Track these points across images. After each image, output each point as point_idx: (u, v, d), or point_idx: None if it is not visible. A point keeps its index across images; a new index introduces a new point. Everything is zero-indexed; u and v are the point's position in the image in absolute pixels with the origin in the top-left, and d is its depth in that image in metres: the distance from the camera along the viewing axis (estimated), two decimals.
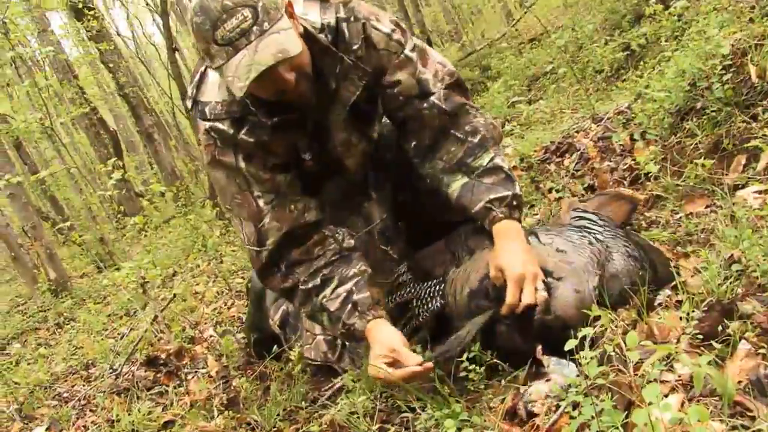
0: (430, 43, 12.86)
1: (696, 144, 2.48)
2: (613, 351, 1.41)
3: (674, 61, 2.73)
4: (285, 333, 2.42)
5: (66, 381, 3.64)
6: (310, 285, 1.92)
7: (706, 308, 1.48)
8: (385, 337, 1.81)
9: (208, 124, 1.88)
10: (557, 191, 2.98)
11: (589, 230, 1.87)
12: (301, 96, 1.83)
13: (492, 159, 1.93)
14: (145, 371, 3.08)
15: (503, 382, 1.67)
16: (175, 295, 3.54)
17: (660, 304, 1.67)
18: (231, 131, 1.87)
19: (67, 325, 5.36)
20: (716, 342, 1.38)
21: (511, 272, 1.67)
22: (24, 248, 7.72)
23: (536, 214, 2.97)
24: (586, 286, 1.62)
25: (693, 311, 1.47)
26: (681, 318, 1.50)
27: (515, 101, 7.89)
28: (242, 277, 4.37)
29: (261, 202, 1.93)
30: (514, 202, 1.87)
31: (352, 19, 1.93)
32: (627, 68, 7.11)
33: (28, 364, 4.27)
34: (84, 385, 3.40)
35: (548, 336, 1.48)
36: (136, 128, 10.94)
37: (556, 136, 4.03)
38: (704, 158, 2.36)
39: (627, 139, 3.04)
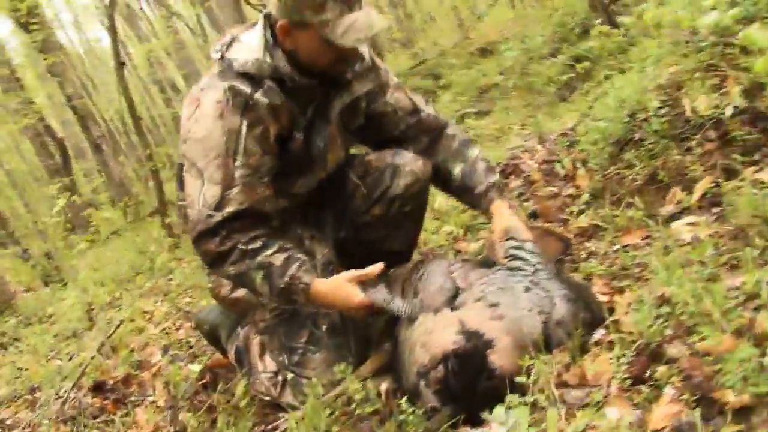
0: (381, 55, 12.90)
1: (634, 175, 2.55)
2: (546, 398, 1.45)
3: (613, 93, 2.81)
4: (241, 367, 2.43)
5: (9, 407, 3.56)
6: (249, 246, 2.02)
7: (635, 351, 1.54)
8: (340, 275, 2.06)
9: (227, 84, 2.01)
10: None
11: (524, 272, 1.91)
12: (342, 71, 2.15)
13: (478, 151, 2.42)
14: (92, 398, 3.04)
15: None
16: (122, 322, 3.51)
17: (596, 343, 1.72)
18: (248, 90, 2.01)
19: (11, 346, 5.24)
20: (645, 386, 1.44)
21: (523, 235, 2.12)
22: None
23: (480, 239, 3.02)
24: (526, 338, 1.66)
25: (624, 354, 1.53)
26: (612, 360, 1.55)
27: (465, 113, 8.00)
28: (191, 296, 4.35)
29: (237, 173, 2.02)
30: (500, 186, 2.35)
31: None
32: (575, 80, 7.26)
33: None
34: (29, 412, 3.34)
35: (495, 397, 1.51)
36: (85, 136, 10.75)
37: (503, 155, 4.09)
38: (641, 189, 2.44)
39: (570, 165, 3.11)
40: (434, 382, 1.66)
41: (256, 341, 2.37)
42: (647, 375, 1.45)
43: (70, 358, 4.01)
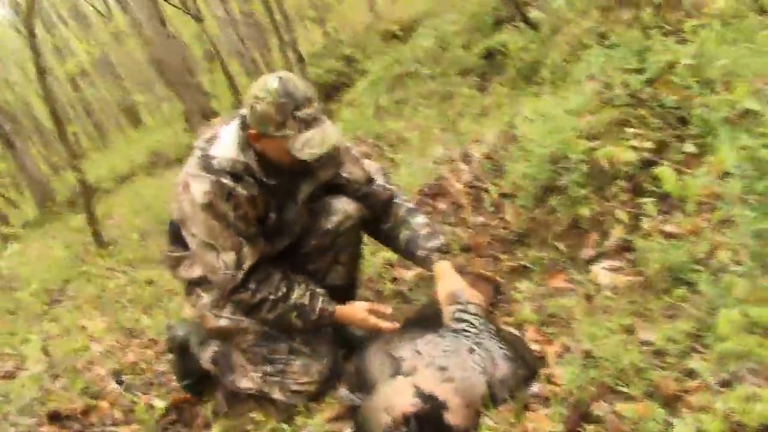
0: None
1: (557, 219, 2.85)
2: None
3: (534, 137, 3.08)
4: (219, 368, 2.75)
5: None
6: (279, 294, 2.47)
7: (567, 409, 1.84)
8: (357, 303, 2.61)
9: (213, 177, 2.39)
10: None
11: (467, 334, 2.17)
12: (305, 168, 2.48)
13: (422, 218, 2.75)
14: (49, 428, 3.12)
15: None
16: (76, 351, 3.61)
17: (534, 396, 2.01)
18: (231, 184, 2.39)
19: None
20: None
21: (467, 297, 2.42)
22: None
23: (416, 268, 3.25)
24: (474, 396, 1.93)
25: (559, 413, 1.82)
26: (548, 417, 1.85)
27: (382, 104, 8.18)
28: (130, 311, 4.44)
29: (240, 238, 2.44)
30: (443, 249, 2.67)
31: None
32: (490, 73, 7.54)
33: None
34: None
35: None
36: None
37: (429, 170, 4.27)
38: (564, 234, 2.75)
39: (497, 197, 3.39)
40: None
41: (239, 354, 2.67)
42: None
43: (10, 376, 4.04)
